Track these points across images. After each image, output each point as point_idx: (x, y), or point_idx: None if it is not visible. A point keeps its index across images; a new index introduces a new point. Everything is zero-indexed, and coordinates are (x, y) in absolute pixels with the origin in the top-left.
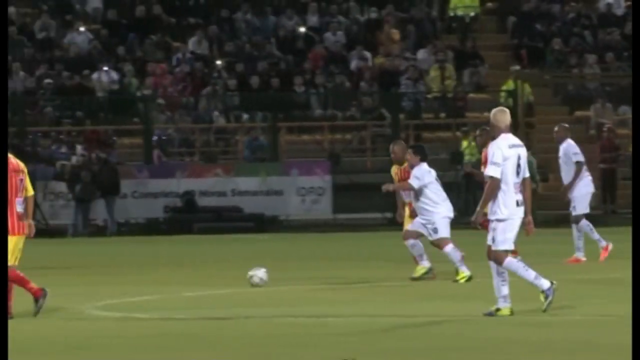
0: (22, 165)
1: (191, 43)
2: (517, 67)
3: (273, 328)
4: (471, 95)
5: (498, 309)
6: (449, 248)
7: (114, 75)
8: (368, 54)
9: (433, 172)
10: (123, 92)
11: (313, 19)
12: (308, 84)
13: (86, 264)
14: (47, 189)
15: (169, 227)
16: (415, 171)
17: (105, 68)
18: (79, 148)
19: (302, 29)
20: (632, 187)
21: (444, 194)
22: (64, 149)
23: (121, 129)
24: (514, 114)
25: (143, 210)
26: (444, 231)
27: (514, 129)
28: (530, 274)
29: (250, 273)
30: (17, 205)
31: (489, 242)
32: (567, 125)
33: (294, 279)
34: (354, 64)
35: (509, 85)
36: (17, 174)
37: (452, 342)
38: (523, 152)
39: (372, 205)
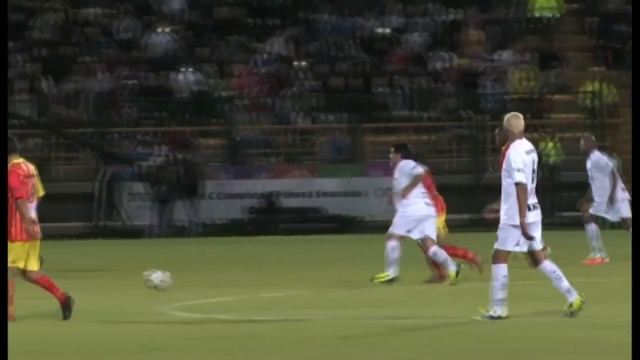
0: (32, 169)
1: (273, 44)
2: (601, 69)
3: (351, 329)
4: (554, 96)
5: (571, 305)
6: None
7: (196, 77)
8: (449, 55)
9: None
10: (205, 94)
11: (394, 20)
12: (388, 85)
13: (166, 265)
14: (129, 190)
15: (251, 228)
16: (395, 172)
17: (187, 69)
18: (161, 149)
19: (384, 30)
20: (632, 187)
21: (420, 192)
22: (145, 150)
23: (203, 130)
24: (598, 116)
25: (226, 212)
26: (398, 226)
27: (600, 130)
28: (564, 285)
29: (147, 275)
30: (32, 211)
31: (501, 246)
32: (593, 137)
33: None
34: (435, 65)
35: (590, 86)
36: (29, 179)
37: (529, 344)
38: (536, 157)
39: (453, 206)
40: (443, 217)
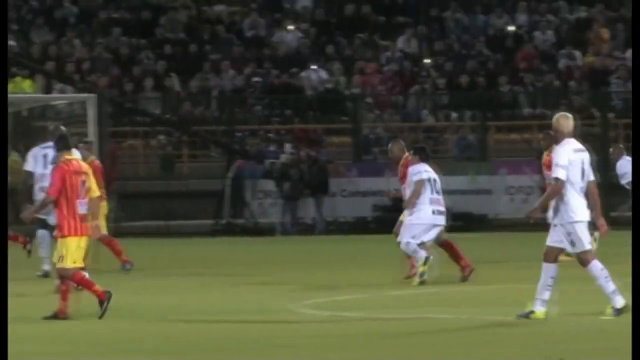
0: (85, 167)
1: (400, 42)
2: None
3: (477, 326)
4: None
5: (532, 312)
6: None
7: (323, 74)
8: (577, 53)
9: (427, 174)
10: (332, 91)
11: (522, 18)
12: (515, 82)
13: (294, 262)
14: (256, 188)
15: (377, 226)
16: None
17: (315, 67)
18: (288, 147)
19: (512, 28)
20: (632, 186)
21: (428, 198)
22: (273, 148)
23: (329, 127)
24: None
25: (352, 209)
26: (404, 233)
27: None
28: (610, 287)
29: None
30: (79, 207)
31: (559, 245)
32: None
33: (501, 278)
34: (563, 63)
35: None
36: (78, 176)
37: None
38: (587, 156)
39: None
40: None
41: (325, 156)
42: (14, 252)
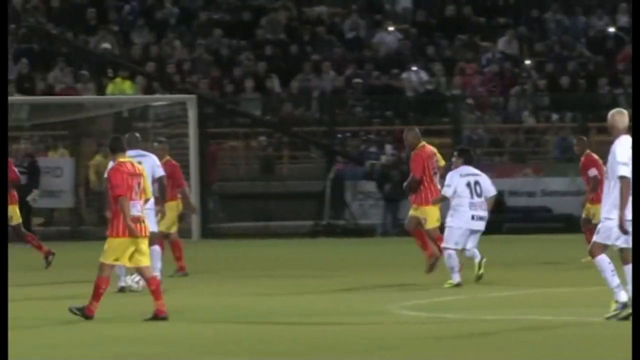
0: (139, 168)
1: (501, 43)
2: None
3: (576, 329)
4: None
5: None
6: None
7: (424, 75)
8: None
9: (465, 179)
10: (432, 92)
11: (623, 19)
12: (615, 84)
13: (394, 263)
14: (357, 189)
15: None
16: (447, 178)
17: (415, 68)
18: (388, 147)
19: (612, 29)
20: (632, 187)
21: (467, 202)
22: (373, 149)
23: (430, 128)
24: None
25: None
26: (447, 239)
27: None
28: (614, 281)
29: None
30: (133, 209)
31: (605, 241)
32: None
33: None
34: None
35: None
36: (133, 178)
37: None
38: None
39: None
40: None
41: None
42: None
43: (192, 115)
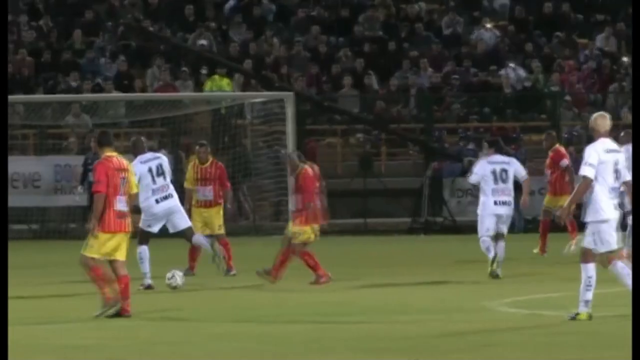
0: (125, 163)
1: (599, 40)
2: None
3: None
4: None
5: (578, 313)
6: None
7: (521, 72)
8: None
9: (491, 166)
10: (530, 89)
11: None
12: None
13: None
14: (454, 186)
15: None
16: (476, 166)
17: (512, 65)
18: (486, 144)
19: None
20: (632, 186)
21: (490, 189)
22: (471, 146)
23: (528, 125)
24: None
25: None
26: (479, 227)
27: None
28: (589, 293)
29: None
30: (119, 204)
31: (589, 245)
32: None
33: None
34: None
35: None
36: (120, 173)
37: None
38: (621, 157)
39: None
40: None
41: (523, 154)
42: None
43: (289, 112)
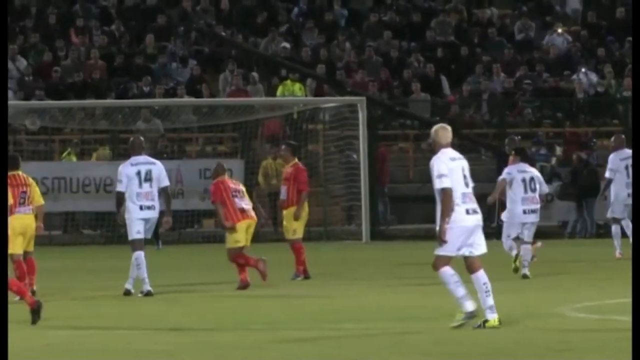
0: (28, 180)
1: None
2: None
3: None
4: None
5: (486, 321)
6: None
7: (593, 77)
8: None
9: (517, 174)
10: (603, 94)
11: None
12: None
13: (562, 264)
14: None
15: None
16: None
17: (584, 70)
18: (558, 149)
19: None
20: (632, 187)
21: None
22: (543, 151)
23: (601, 130)
24: None
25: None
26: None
27: None
28: (460, 292)
29: None
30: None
31: (467, 252)
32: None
33: None
34: None
35: None
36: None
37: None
38: (465, 163)
39: None
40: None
41: (595, 159)
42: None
43: (361, 117)
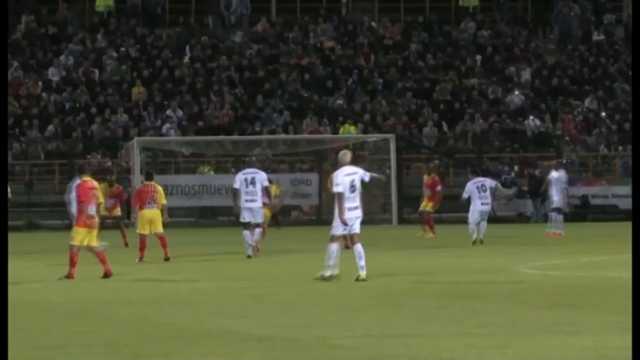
0: (95, 184)
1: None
2: None
3: None
4: None
5: (358, 276)
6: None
7: (538, 122)
8: None
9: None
10: (544, 132)
11: None
12: None
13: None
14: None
15: None
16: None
17: (532, 117)
18: (515, 167)
19: None
20: (632, 187)
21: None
22: (506, 168)
23: (542, 155)
24: None
25: None
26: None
27: None
28: (330, 262)
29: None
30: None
31: (334, 231)
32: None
33: None
34: None
35: None
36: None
37: None
38: (357, 177)
39: None
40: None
41: (539, 174)
42: None
43: (392, 147)
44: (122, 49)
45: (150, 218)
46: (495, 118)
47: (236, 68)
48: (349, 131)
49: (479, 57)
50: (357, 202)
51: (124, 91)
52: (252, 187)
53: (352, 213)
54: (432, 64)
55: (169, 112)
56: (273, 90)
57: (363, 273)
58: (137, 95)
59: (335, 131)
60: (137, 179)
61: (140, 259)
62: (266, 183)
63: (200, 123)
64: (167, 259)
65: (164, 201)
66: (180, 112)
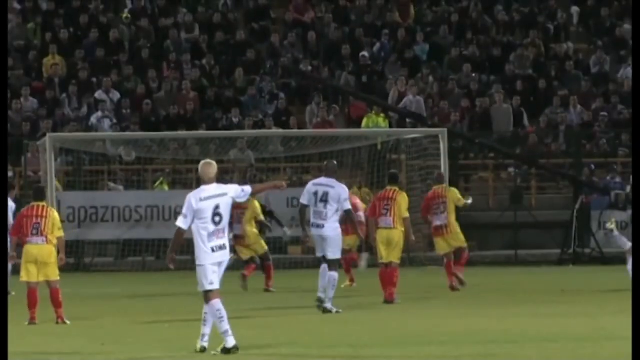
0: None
1: None
2: None
3: None
4: None
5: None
6: None
7: None
8: None
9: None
10: None
11: None
12: None
13: None
14: (602, 218)
15: None
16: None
17: None
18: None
19: None
20: (632, 191)
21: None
22: (618, 179)
23: None
24: None
25: None
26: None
27: None
28: (224, 326)
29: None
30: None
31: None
32: None
33: None
34: None
35: None
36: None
37: None
38: (222, 200)
39: None
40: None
41: None
42: None
43: (443, 147)
44: None
45: (36, 257)
46: (601, 103)
47: (203, 27)
48: (377, 124)
49: (575, 10)
50: (223, 240)
51: (30, 63)
52: (323, 206)
53: (218, 256)
54: (504, 20)
55: (99, 94)
56: (260, 61)
57: (231, 340)
58: (51, 70)
59: (352, 124)
60: (52, 196)
61: (31, 320)
62: (348, 206)
63: (148, 111)
64: (59, 321)
65: (59, 233)
66: (117, 95)
